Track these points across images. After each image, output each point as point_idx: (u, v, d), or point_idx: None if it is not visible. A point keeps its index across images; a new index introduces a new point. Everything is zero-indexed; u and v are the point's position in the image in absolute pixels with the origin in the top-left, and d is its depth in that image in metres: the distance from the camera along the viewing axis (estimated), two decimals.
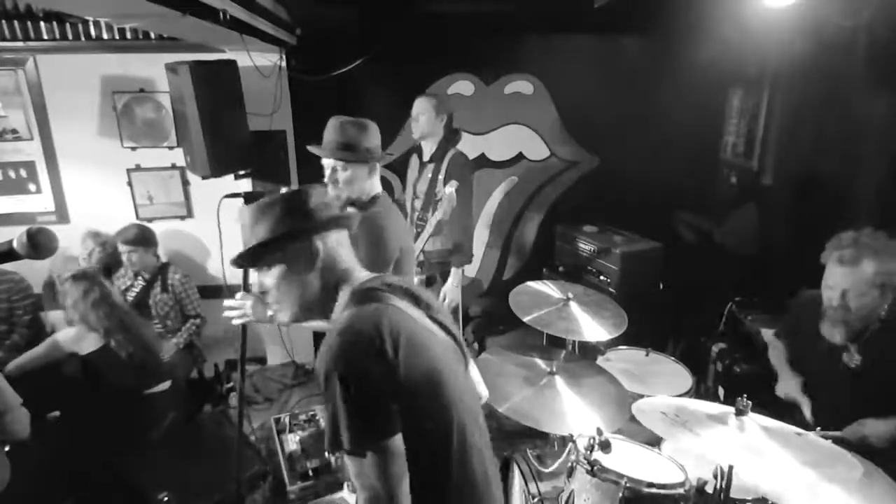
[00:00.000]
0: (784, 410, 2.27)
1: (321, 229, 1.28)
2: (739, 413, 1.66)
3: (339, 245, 1.31)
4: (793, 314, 2.47)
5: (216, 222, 2.15)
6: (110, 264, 3.58)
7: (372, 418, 1.08)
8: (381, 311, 1.17)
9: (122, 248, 3.48)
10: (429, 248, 3.31)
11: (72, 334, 2.74)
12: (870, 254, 1.99)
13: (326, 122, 2.18)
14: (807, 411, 2.23)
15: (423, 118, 3.29)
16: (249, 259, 1.28)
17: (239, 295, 1.96)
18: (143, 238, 3.52)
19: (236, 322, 1.97)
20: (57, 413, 2.89)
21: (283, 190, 1.31)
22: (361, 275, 1.32)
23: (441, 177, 3.28)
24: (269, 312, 1.94)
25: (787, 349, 2.49)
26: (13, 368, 2.72)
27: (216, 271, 4.07)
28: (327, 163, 2.17)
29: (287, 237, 1.25)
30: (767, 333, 2.64)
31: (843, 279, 2.03)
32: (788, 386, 2.35)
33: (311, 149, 2.18)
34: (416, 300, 1.29)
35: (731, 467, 1.61)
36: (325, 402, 1.10)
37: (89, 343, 2.72)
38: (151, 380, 2.92)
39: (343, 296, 1.27)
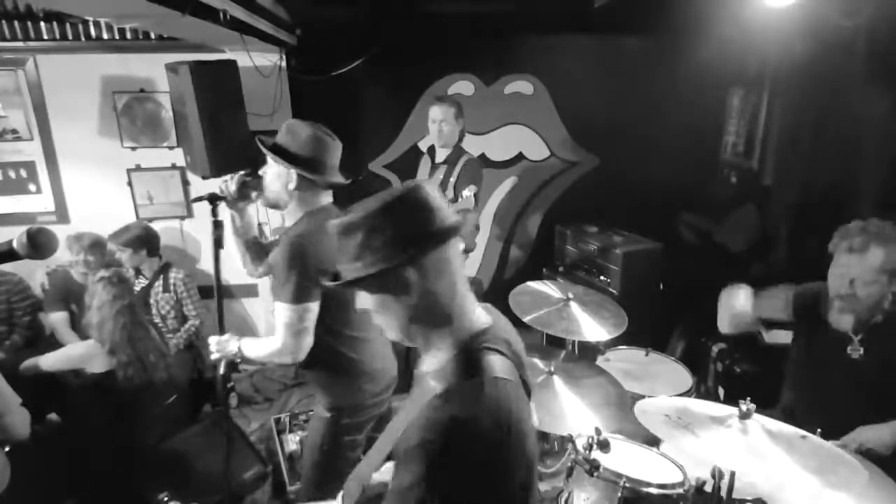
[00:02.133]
0: (779, 410, 2.27)
1: (417, 257, 1.05)
2: (743, 416, 1.66)
3: (439, 271, 1.08)
4: (791, 303, 2.44)
5: (208, 222, 2.15)
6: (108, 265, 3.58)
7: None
8: (502, 393, 1.00)
9: (110, 246, 3.47)
10: None
11: (80, 351, 2.67)
12: (878, 241, 2.00)
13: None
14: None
15: (447, 127, 3.31)
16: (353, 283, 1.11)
17: (211, 338, 2.10)
18: (136, 241, 3.50)
19: (217, 362, 2.13)
20: (54, 415, 2.88)
21: (377, 203, 1.07)
22: (471, 319, 1.12)
23: (453, 180, 3.30)
24: (233, 349, 2.03)
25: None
26: (25, 369, 2.69)
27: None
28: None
29: (375, 275, 1.06)
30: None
31: (851, 267, 2.04)
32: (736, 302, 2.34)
33: (261, 145, 2.03)
34: (518, 359, 1.13)
35: (732, 473, 1.61)
36: (399, 471, 0.99)
37: (97, 364, 2.64)
38: (153, 402, 2.84)
39: (448, 342, 1.10)
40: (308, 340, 1.93)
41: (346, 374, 2.06)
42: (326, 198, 2.06)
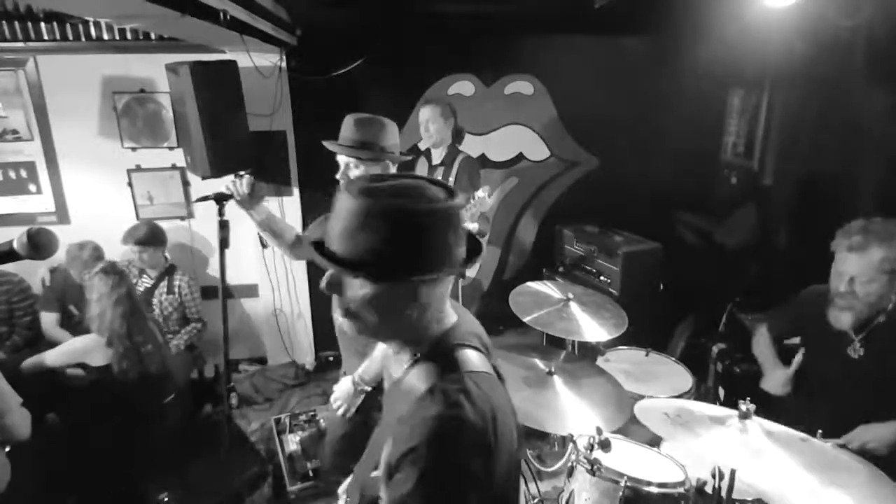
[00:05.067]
0: (780, 409, 2.27)
1: (436, 277, 1.01)
2: (743, 417, 1.66)
3: (442, 290, 1.09)
4: (796, 308, 2.47)
5: (214, 223, 2.15)
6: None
7: None
8: (483, 387, 1.00)
9: (133, 247, 3.47)
10: None
11: (81, 344, 2.69)
12: (878, 240, 2.00)
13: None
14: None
15: (433, 127, 3.30)
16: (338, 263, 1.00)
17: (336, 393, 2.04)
18: (154, 238, 3.53)
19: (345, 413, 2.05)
20: (54, 414, 2.89)
21: (419, 195, 0.99)
22: (446, 320, 1.12)
23: (451, 179, 3.30)
24: (349, 388, 1.99)
25: (775, 344, 2.49)
26: (28, 366, 2.70)
27: (216, 272, 4.07)
28: (341, 159, 2.13)
29: (391, 277, 0.98)
30: (761, 328, 2.63)
31: (851, 265, 2.04)
32: (776, 379, 2.36)
33: (327, 144, 2.15)
34: (487, 348, 1.14)
35: (733, 471, 1.61)
36: (395, 479, 0.96)
37: (98, 357, 2.67)
38: (151, 399, 2.85)
39: (423, 344, 1.09)
40: None
41: None
42: None
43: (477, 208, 2.78)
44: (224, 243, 2.08)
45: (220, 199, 2.11)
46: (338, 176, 2.14)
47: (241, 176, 2.12)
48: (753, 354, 2.58)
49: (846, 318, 2.14)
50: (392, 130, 2.17)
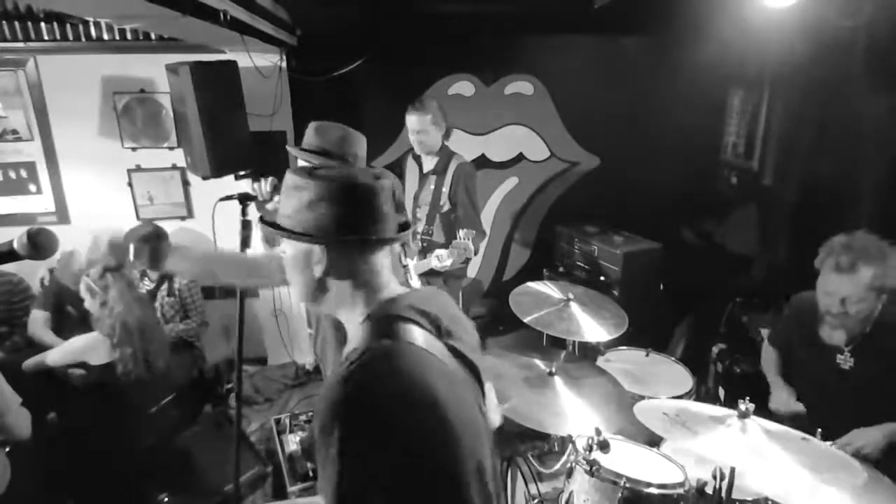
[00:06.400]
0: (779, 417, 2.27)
1: (366, 248, 1.11)
2: (742, 416, 1.66)
3: (376, 259, 1.14)
4: (787, 318, 2.47)
5: (215, 224, 2.16)
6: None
7: (369, 489, 0.92)
8: (402, 357, 0.99)
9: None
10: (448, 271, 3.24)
11: (82, 343, 2.69)
12: (865, 259, 1.99)
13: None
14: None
15: (427, 138, 3.12)
16: (276, 227, 1.14)
17: None
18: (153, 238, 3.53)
19: None
20: (54, 414, 2.89)
21: (350, 171, 1.14)
22: (387, 291, 1.14)
23: (445, 189, 3.19)
24: None
25: (780, 356, 2.49)
26: (30, 366, 2.72)
27: None
28: (302, 164, 2.13)
29: (321, 240, 1.08)
30: (765, 343, 2.64)
31: (841, 286, 2.03)
32: (782, 399, 2.36)
33: (290, 149, 2.16)
34: (438, 327, 1.11)
35: (732, 469, 1.61)
36: (319, 455, 0.95)
37: (98, 355, 2.66)
38: (151, 399, 2.86)
39: (362, 309, 1.12)
40: None
41: None
42: None
43: (460, 251, 2.68)
44: (245, 242, 2.12)
45: (244, 199, 2.14)
46: None
47: (268, 178, 2.19)
48: (761, 370, 2.58)
49: (839, 336, 2.16)
50: (356, 141, 2.16)
